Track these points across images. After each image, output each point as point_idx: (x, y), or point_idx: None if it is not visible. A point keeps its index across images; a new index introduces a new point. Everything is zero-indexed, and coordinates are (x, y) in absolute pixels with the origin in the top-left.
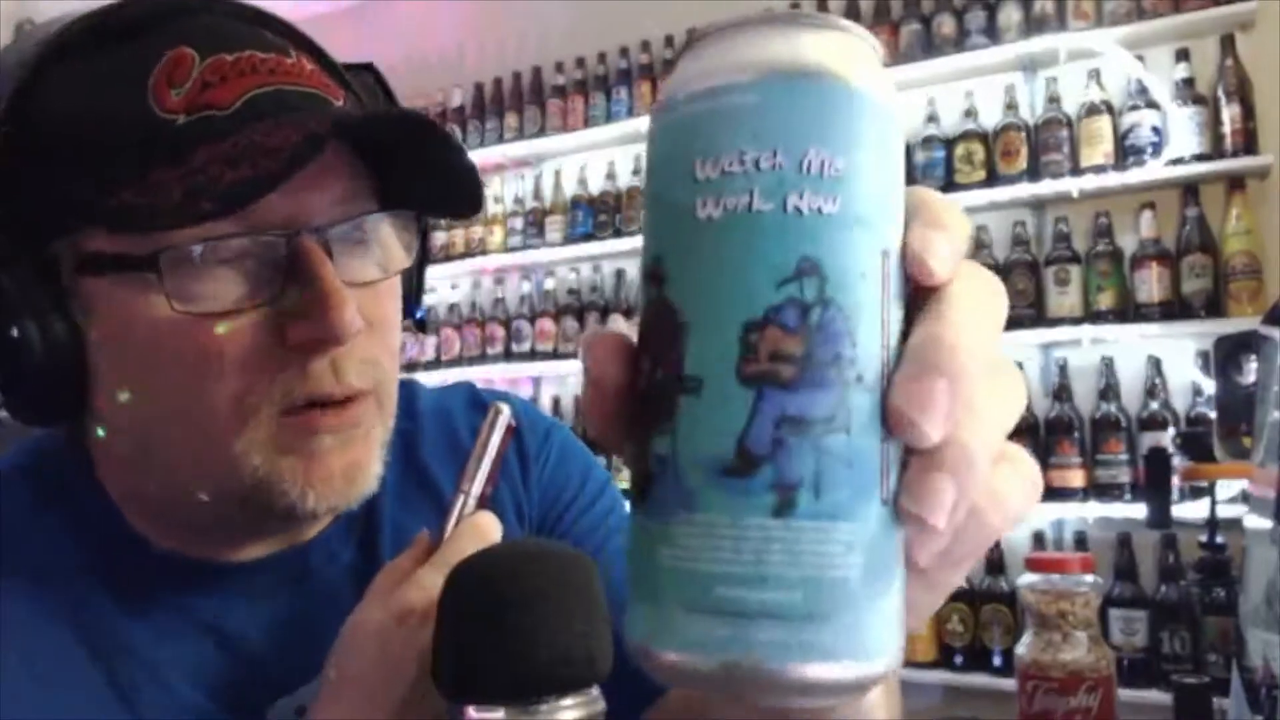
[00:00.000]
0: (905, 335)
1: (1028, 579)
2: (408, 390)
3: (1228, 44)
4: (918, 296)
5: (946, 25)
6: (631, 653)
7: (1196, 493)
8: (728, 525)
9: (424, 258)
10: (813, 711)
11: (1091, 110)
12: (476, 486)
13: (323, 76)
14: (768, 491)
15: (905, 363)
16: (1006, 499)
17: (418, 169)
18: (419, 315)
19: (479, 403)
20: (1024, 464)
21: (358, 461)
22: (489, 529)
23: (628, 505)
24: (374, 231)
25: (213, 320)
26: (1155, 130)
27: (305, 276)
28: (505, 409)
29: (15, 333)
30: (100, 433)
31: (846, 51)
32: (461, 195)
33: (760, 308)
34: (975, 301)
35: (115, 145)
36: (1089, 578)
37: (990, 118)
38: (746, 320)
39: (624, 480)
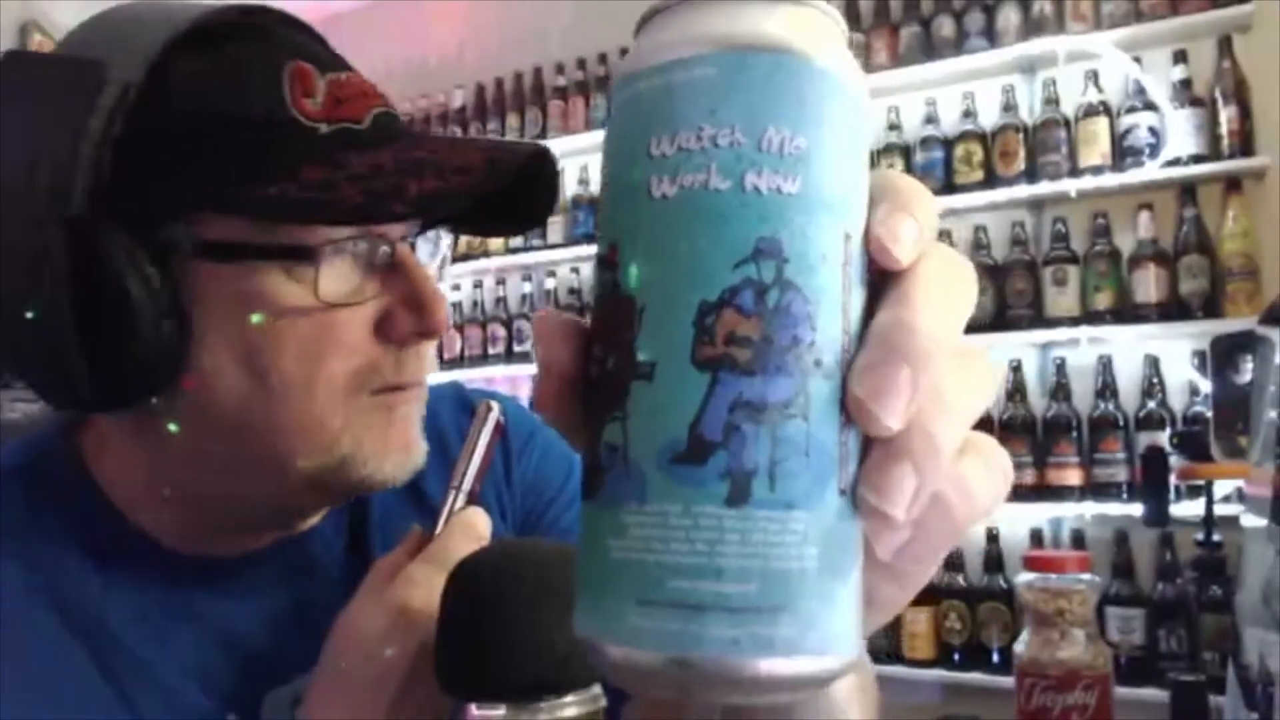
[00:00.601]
0: (868, 320)
1: (1026, 577)
2: None
3: (1225, 46)
4: (882, 280)
5: (946, 27)
6: (589, 653)
7: (1193, 491)
8: (679, 515)
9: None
10: (775, 709)
11: (1089, 111)
12: (467, 483)
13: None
14: (721, 480)
15: (866, 348)
16: (974, 490)
17: (520, 197)
18: None
19: (465, 402)
20: (993, 454)
21: (417, 439)
22: (479, 525)
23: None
24: (436, 237)
25: (337, 308)
26: (1153, 131)
27: (407, 276)
28: (495, 406)
29: (121, 313)
30: (172, 427)
31: (810, 27)
32: (538, 213)
33: (716, 290)
34: (941, 284)
35: (260, 143)
36: (1086, 576)
37: (989, 119)
38: (701, 302)
39: None
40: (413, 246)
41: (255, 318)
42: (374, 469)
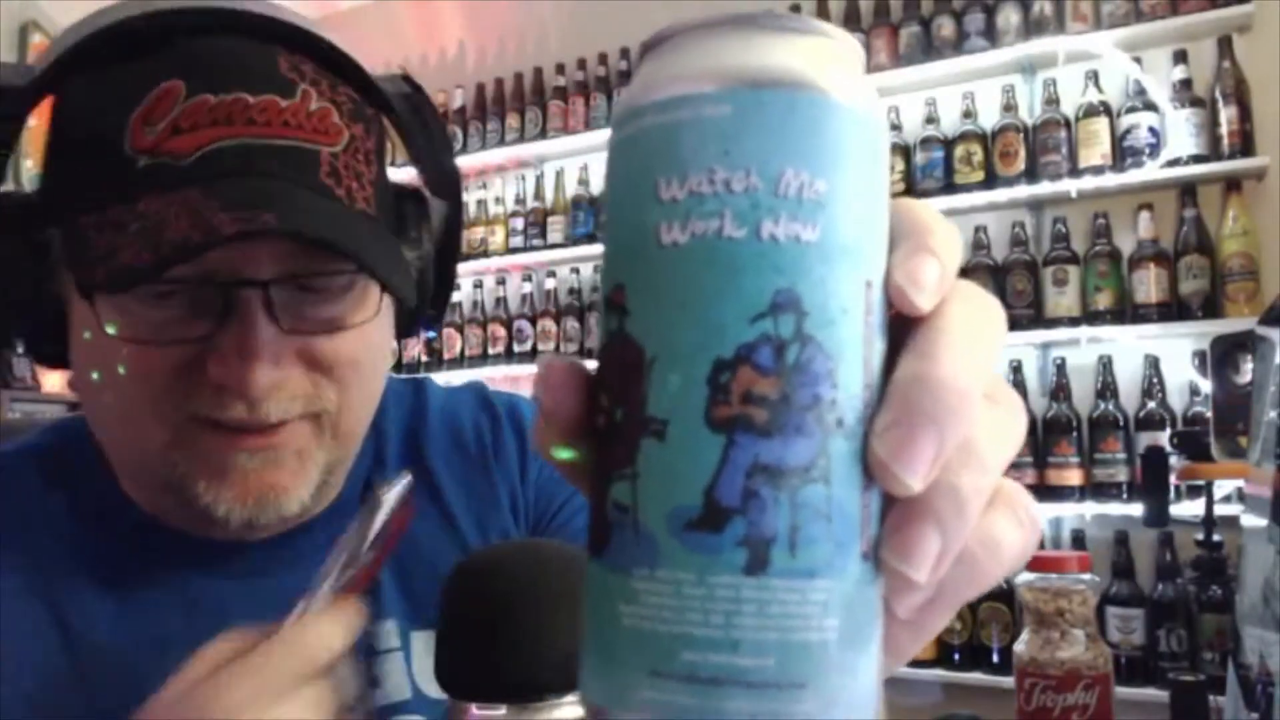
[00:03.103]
0: (889, 370)
1: (1026, 577)
2: (418, 389)
3: (1225, 46)
4: (901, 324)
5: (946, 27)
6: (589, 715)
7: (1193, 491)
8: (694, 584)
9: (449, 277)
10: None
11: (1090, 112)
12: (331, 581)
13: (321, 118)
14: (738, 547)
15: (887, 405)
16: (1002, 544)
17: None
18: (431, 332)
19: (488, 404)
20: (1021, 505)
21: (278, 484)
22: (327, 636)
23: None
24: (330, 286)
25: (137, 345)
26: (1153, 132)
27: (233, 324)
28: (389, 492)
29: (18, 286)
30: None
31: (828, 59)
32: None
33: (731, 346)
34: (966, 330)
35: (87, 173)
36: (1086, 576)
37: (989, 119)
38: (716, 359)
39: None
40: (267, 301)
41: (85, 333)
42: (210, 504)
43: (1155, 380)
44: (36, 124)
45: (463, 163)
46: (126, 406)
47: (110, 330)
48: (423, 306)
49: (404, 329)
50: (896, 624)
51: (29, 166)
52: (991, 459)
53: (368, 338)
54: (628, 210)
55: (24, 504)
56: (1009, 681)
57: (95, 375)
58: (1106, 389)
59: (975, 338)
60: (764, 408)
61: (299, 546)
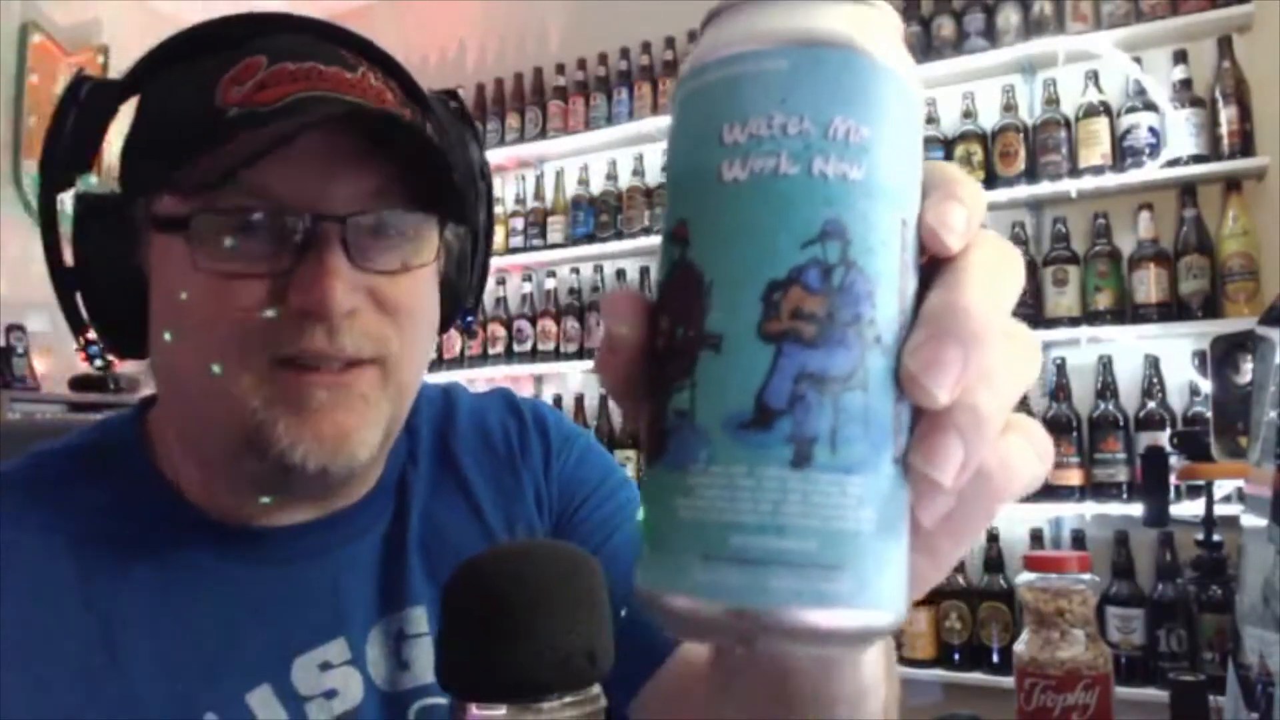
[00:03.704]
0: (919, 304)
1: (1026, 577)
2: (448, 394)
3: (1225, 46)
4: (931, 267)
5: (946, 27)
6: (641, 600)
7: (1193, 491)
8: (745, 476)
9: (484, 268)
10: (813, 671)
11: (1089, 111)
12: None
13: (379, 93)
14: (785, 444)
15: (918, 327)
16: (1016, 466)
17: (420, 170)
18: (468, 321)
19: (515, 407)
20: (1036, 435)
21: (349, 426)
22: None
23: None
24: (399, 227)
25: (225, 279)
26: (1153, 131)
27: (311, 254)
28: None
29: (102, 276)
30: (161, 386)
31: (874, 25)
32: (451, 198)
33: (784, 268)
34: (989, 268)
35: (184, 129)
36: (1086, 576)
37: (989, 119)
38: (770, 279)
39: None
40: (344, 237)
41: (169, 283)
42: (286, 449)
43: (1155, 380)
44: (36, 123)
45: None
46: (212, 355)
47: (204, 264)
48: (464, 297)
49: (443, 321)
50: (917, 547)
51: (29, 166)
52: (1007, 386)
53: (425, 289)
54: (692, 153)
55: (68, 501)
56: (1009, 681)
57: (178, 331)
58: (1106, 389)
59: (997, 277)
60: (811, 323)
61: (331, 536)
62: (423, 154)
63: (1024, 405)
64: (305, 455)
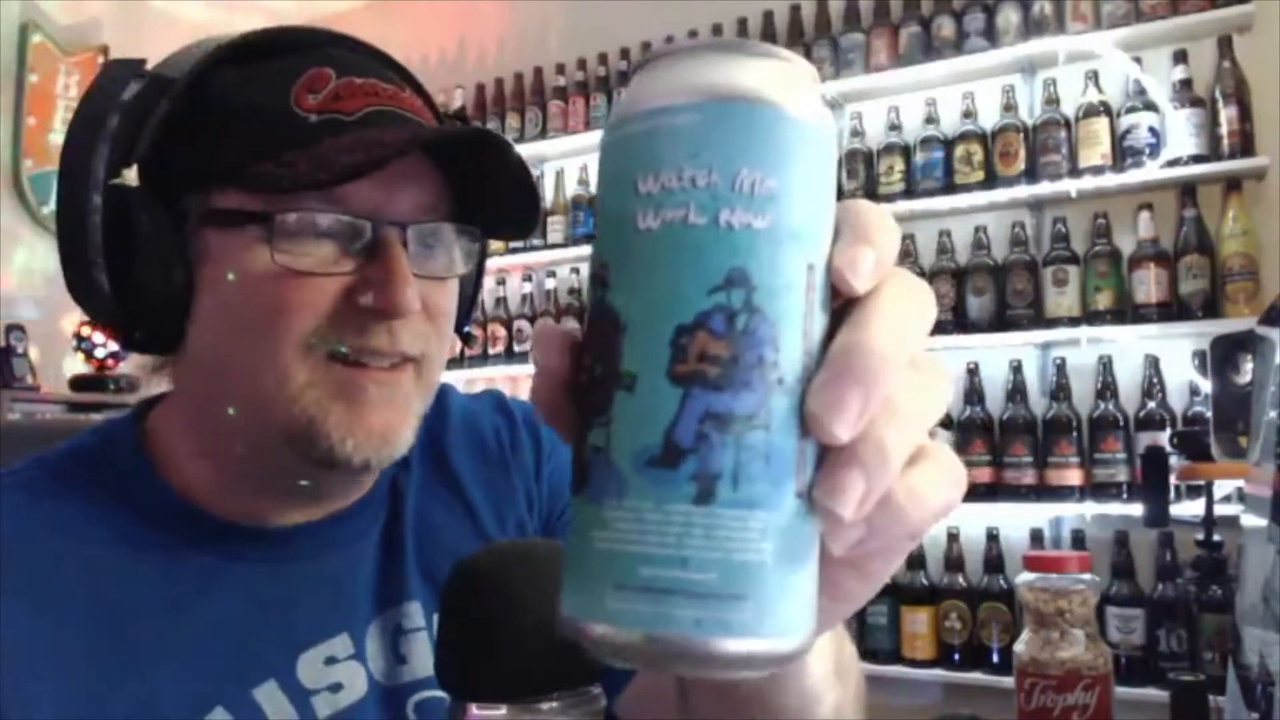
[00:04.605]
0: (829, 342)
1: (1026, 577)
2: (441, 396)
3: (1225, 46)
4: (843, 306)
5: (946, 28)
6: (563, 626)
7: (1193, 491)
8: (653, 511)
9: (478, 282)
10: (746, 689)
11: (1090, 112)
12: None
13: (426, 111)
14: (690, 481)
15: (822, 367)
16: (925, 494)
17: (487, 186)
18: (465, 329)
19: (505, 409)
20: (946, 462)
21: (394, 423)
22: None
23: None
24: (446, 237)
25: (299, 275)
26: (1153, 132)
27: (381, 258)
28: None
29: (144, 268)
30: (190, 378)
31: (784, 78)
32: (518, 215)
33: (691, 313)
34: (895, 306)
35: (261, 129)
36: (1086, 576)
37: (989, 119)
38: (679, 324)
39: None
40: (404, 241)
41: (231, 275)
42: (336, 442)
43: (1155, 380)
44: (36, 123)
45: None
46: (272, 348)
47: (281, 259)
48: (468, 306)
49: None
50: (843, 569)
51: (28, 166)
52: (912, 418)
53: (455, 297)
54: (612, 200)
55: (71, 502)
56: (1009, 681)
57: (234, 324)
58: (1106, 389)
59: (902, 314)
60: (716, 365)
61: (333, 535)
62: (500, 174)
63: (1023, 405)
64: (354, 448)
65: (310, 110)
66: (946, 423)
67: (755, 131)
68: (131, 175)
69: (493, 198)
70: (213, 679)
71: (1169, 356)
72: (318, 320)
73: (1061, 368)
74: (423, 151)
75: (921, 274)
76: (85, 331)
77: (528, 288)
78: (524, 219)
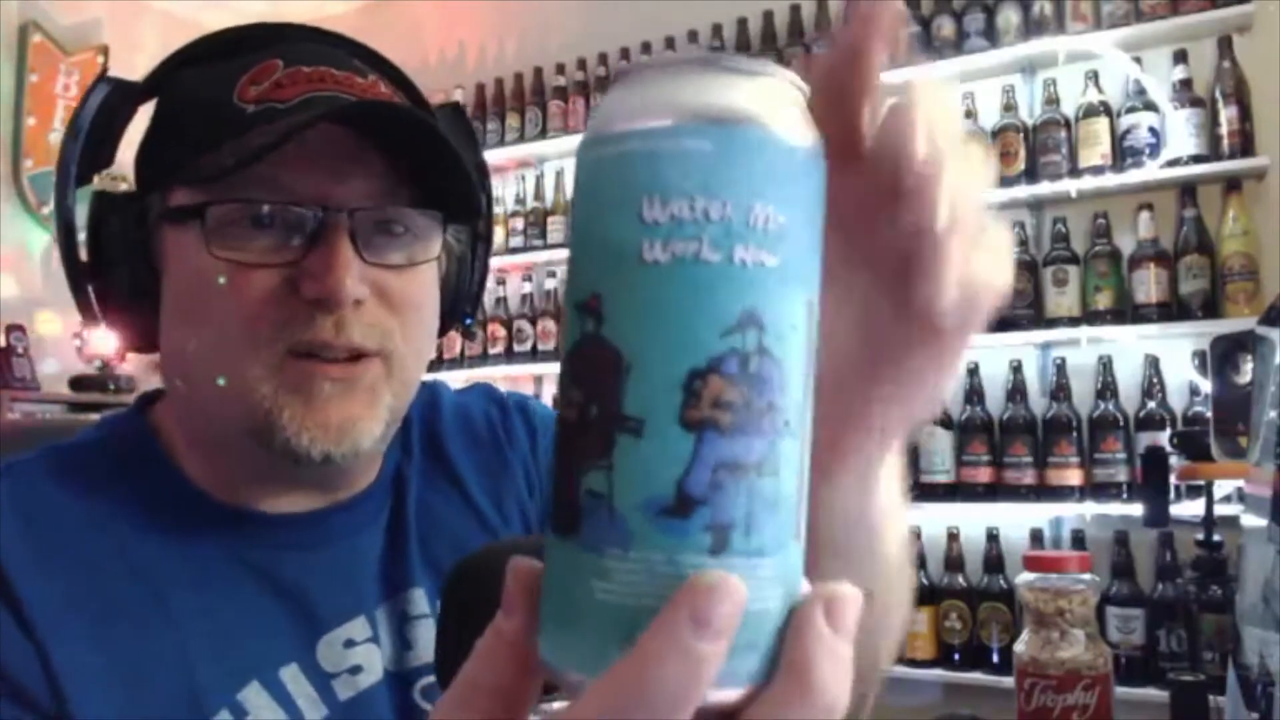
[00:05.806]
0: (819, 377)
1: (1026, 577)
2: (432, 390)
3: (1225, 46)
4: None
5: (945, 27)
6: (554, 678)
7: (1193, 491)
8: (664, 563)
9: (483, 272)
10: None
11: (1089, 112)
12: None
13: (395, 98)
14: (704, 532)
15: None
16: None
17: (428, 168)
18: (468, 323)
19: (496, 397)
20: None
21: (355, 415)
22: None
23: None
24: (405, 223)
25: (240, 268)
26: (1153, 132)
27: (320, 246)
28: None
29: (115, 269)
30: (173, 377)
31: (784, 100)
32: (458, 191)
33: (704, 356)
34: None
35: (203, 124)
36: (1086, 576)
37: (989, 119)
38: (692, 367)
39: None
40: (352, 230)
41: (181, 271)
42: (293, 436)
43: (1155, 380)
44: (36, 123)
45: None
46: (225, 343)
47: (218, 252)
48: (464, 299)
49: (443, 323)
50: (918, 345)
51: (28, 166)
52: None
53: (427, 287)
54: (608, 225)
55: (91, 484)
56: (1009, 681)
57: (190, 321)
58: (1106, 389)
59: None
60: (729, 411)
61: (343, 523)
62: (430, 150)
63: (1023, 405)
64: (311, 442)
65: (249, 101)
66: (946, 423)
67: (767, 163)
68: (106, 179)
69: (435, 177)
70: (241, 657)
71: (1169, 356)
72: (262, 314)
73: (1061, 368)
74: (346, 129)
75: None
76: (85, 332)
77: (528, 288)
78: (463, 195)
